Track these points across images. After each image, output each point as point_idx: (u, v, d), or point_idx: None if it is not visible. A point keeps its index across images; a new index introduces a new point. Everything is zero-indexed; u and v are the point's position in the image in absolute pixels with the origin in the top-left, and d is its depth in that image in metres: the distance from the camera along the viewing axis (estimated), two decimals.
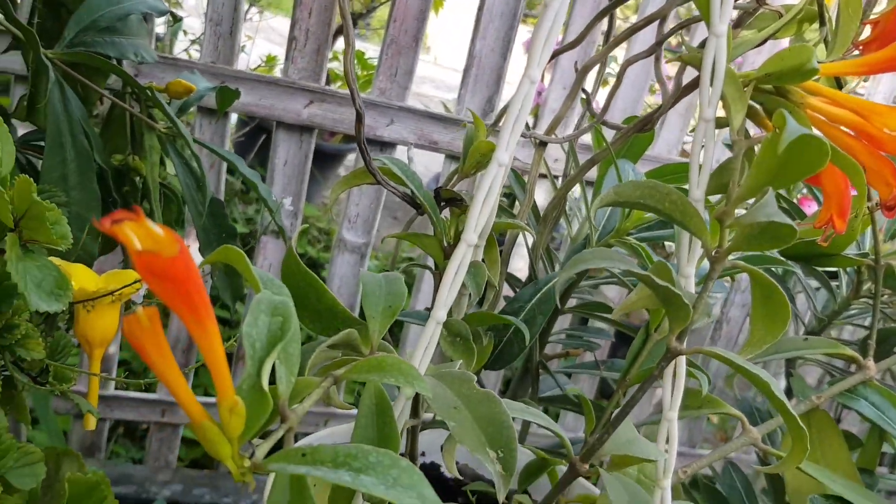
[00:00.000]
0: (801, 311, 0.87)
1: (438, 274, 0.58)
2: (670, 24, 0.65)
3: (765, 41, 0.57)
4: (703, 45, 0.43)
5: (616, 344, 1.64)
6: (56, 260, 0.53)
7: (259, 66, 2.20)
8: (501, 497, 0.38)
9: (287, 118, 1.18)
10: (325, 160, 2.45)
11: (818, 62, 0.43)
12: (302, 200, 1.23)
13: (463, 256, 0.41)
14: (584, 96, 0.68)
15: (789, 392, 0.84)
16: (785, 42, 0.82)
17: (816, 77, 0.43)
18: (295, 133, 1.21)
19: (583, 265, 0.40)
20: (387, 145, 1.23)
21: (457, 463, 0.65)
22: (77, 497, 0.51)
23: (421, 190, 0.57)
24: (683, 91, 0.56)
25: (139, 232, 0.24)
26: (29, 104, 0.68)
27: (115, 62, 0.70)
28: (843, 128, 0.44)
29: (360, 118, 0.51)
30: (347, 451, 0.29)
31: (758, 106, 0.44)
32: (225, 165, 1.20)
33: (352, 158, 2.65)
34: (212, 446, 0.28)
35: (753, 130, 0.48)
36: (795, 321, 0.86)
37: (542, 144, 0.65)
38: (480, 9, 1.19)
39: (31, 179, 0.42)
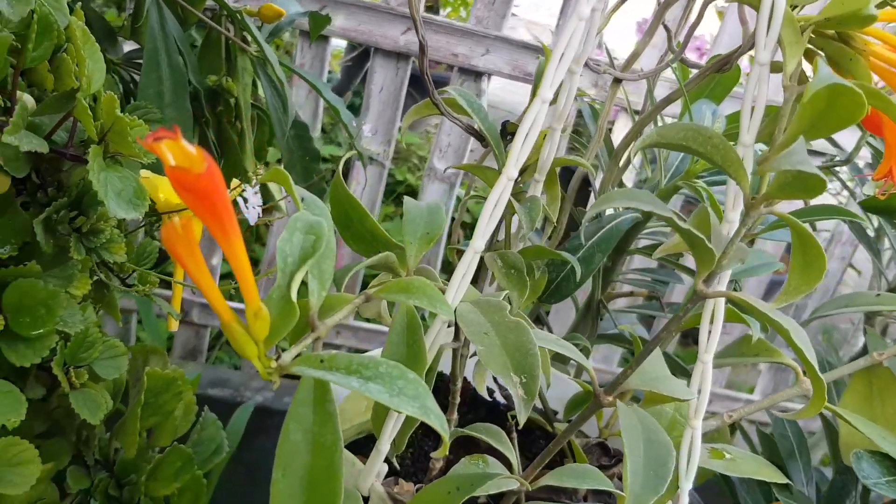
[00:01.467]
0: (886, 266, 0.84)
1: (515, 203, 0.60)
2: None
3: None
4: None
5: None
6: (146, 172, 0.58)
7: None
8: (523, 419, 0.40)
9: (384, 44, 1.20)
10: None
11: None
12: (396, 126, 1.26)
13: (503, 190, 0.43)
14: (665, 31, 0.67)
15: (866, 348, 0.82)
16: None
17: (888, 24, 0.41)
18: (392, 60, 1.23)
19: (607, 204, 0.41)
20: (481, 75, 1.23)
21: (505, 390, 0.68)
22: (155, 389, 0.56)
23: (486, 122, 0.58)
24: None
25: (174, 150, 0.27)
26: (132, 23, 0.72)
27: None
28: None
29: (423, 49, 0.52)
30: (360, 361, 0.31)
31: (820, 52, 0.43)
32: (319, 100, 1.24)
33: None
34: (239, 346, 0.31)
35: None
36: (879, 277, 0.83)
37: (618, 81, 0.65)
38: None
39: (115, 97, 0.46)
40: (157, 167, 0.55)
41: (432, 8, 2.43)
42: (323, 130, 2.25)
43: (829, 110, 0.35)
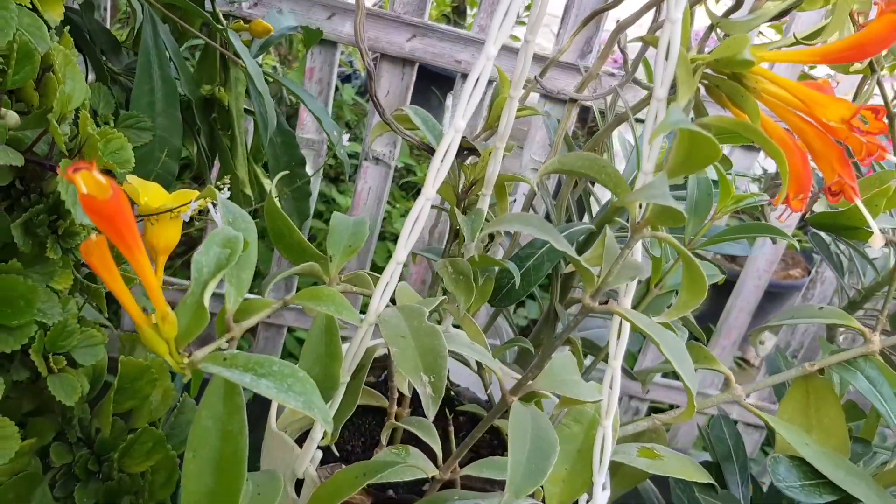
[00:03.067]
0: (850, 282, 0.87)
1: (459, 213, 0.65)
2: None
3: (782, 15, 0.58)
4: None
5: None
6: (132, 177, 0.64)
7: None
8: (431, 414, 0.45)
9: (390, 50, 1.25)
10: (446, 84, 2.50)
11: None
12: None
13: (421, 208, 0.47)
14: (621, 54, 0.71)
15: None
16: (809, 15, 0.80)
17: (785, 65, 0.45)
18: (398, 65, 1.28)
19: (501, 226, 0.45)
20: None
21: (458, 386, 0.73)
22: (130, 376, 0.62)
23: (439, 138, 0.62)
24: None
25: (87, 179, 0.32)
26: (133, 37, 0.78)
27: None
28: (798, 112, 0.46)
29: (370, 76, 0.57)
30: (257, 360, 0.36)
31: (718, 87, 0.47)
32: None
33: None
34: (151, 345, 0.36)
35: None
36: (841, 291, 0.86)
37: (574, 101, 0.69)
38: None
39: (88, 116, 0.52)
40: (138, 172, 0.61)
41: (458, 8, 2.48)
42: (348, 126, 2.31)
43: (693, 150, 0.39)
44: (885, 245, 0.68)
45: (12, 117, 0.52)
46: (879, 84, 0.62)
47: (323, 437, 0.50)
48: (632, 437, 0.68)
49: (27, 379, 0.60)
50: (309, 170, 1.32)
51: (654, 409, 1.60)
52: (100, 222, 0.32)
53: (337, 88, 2.19)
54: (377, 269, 1.87)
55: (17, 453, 0.55)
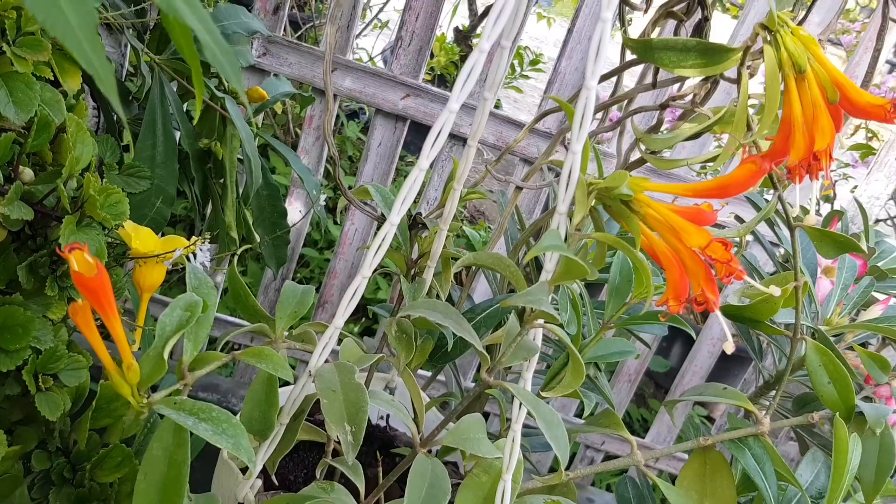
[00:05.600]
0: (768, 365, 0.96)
1: (405, 280, 0.74)
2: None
3: (696, 136, 0.68)
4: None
5: None
6: (129, 224, 0.73)
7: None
8: (350, 458, 0.54)
9: (385, 106, 1.35)
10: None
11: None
12: (390, 178, 1.41)
13: (358, 286, 0.56)
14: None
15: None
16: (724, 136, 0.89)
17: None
18: (391, 120, 1.38)
19: (411, 311, 0.54)
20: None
21: (396, 430, 0.82)
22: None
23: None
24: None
25: (79, 259, 0.42)
26: (144, 96, 0.88)
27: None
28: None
29: (335, 163, 0.67)
30: (200, 407, 0.46)
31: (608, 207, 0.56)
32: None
33: None
34: (117, 388, 0.45)
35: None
36: (758, 373, 0.95)
37: (518, 188, 0.79)
38: (570, 31, 1.30)
39: (96, 178, 0.61)
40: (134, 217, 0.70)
41: (467, 38, 2.58)
42: (350, 160, 2.41)
43: (569, 267, 0.48)
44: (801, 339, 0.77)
45: (28, 174, 0.61)
46: (781, 200, 0.71)
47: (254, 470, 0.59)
48: (546, 490, 0.77)
49: (18, 393, 0.69)
50: (302, 207, 1.42)
51: (609, 458, 1.67)
52: (85, 293, 0.42)
53: (342, 125, 2.30)
54: (367, 299, 1.95)
55: (3, 457, 0.64)
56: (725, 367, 1.86)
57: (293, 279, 1.79)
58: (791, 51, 0.58)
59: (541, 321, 0.53)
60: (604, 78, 0.77)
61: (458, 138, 1.38)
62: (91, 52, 0.29)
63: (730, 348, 0.55)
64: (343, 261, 1.46)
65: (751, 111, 0.65)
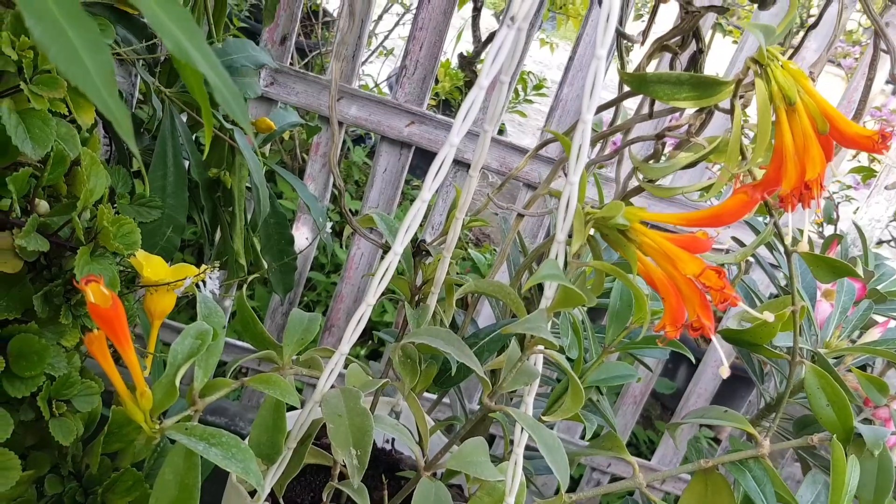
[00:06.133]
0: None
1: (408, 306, 0.76)
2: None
3: (693, 164, 0.69)
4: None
5: None
6: (140, 252, 0.75)
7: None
8: (356, 482, 0.56)
9: (390, 134, 1.38)
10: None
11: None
12: (395, 203, 1.43)
13: (363, 313, 0.58)
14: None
15: None
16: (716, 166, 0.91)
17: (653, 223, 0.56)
18: (396, 147, 1.40)
19: (414, 338, 0.56)
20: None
21: (402, 453, 0.83)
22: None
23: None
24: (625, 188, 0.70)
25: (95, 291, 0.43)
26: (155, 128, 0.90)
27: None
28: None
29: (340, 193, 0.69)
30: (211, 432, 0.47)
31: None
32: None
33: None
34: (131, 414, 0.47)
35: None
36: (759, 395, 0.96)
37: (520, 216, 0.80)
38: (571, 59, 1.33)
39: (109, 210, 0.63)
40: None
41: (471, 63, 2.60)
42: (357, 184, 2.44)
43: (566, 294, 0.50)
44: (799, 362, 0.78)
45: (43, 206, 0.64)
46: (777, 227, 0.73)
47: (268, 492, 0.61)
48: None
49: (32, 418, 0.71)
50: (309, 233, 1.44)
51: (615, 480, 1.68)
52: (100, 323, 0.44)
53: (349, 149, 2.33)
54: (373, 322, 1.96)
55: (17, 482, 0.65)
56: (731, 389, 1.86)
57: (300, 302, 1.81)
58: (781, 84, 0.59)
59: (541, 347, 0.54)
60: (601, 109, 0.80)
61: (461, 164, 1.40)
62: (109, 99, 0.31)
63: (725, 373, 0.56)
64: (349, 285, 1.48)
65: (746, 141, 0.66)
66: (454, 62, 2.76)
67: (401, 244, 0.56)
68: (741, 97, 0.64)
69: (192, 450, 0.48)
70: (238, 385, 0.54)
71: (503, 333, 0.56)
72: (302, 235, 1.42)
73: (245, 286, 0.58)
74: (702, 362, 1.50)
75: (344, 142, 2.36)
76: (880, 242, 1.58)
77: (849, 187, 1.88)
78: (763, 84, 0.60)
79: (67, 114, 0.67)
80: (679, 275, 0.56)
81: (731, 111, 0.63)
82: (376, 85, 2.57)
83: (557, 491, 1.61)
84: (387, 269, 0.56)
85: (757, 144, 0.61)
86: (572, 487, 1.55)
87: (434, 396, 1.41)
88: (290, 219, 1.04)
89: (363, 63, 2.39)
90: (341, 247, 2.24)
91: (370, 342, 2.04)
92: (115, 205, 0.80)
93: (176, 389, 0.48)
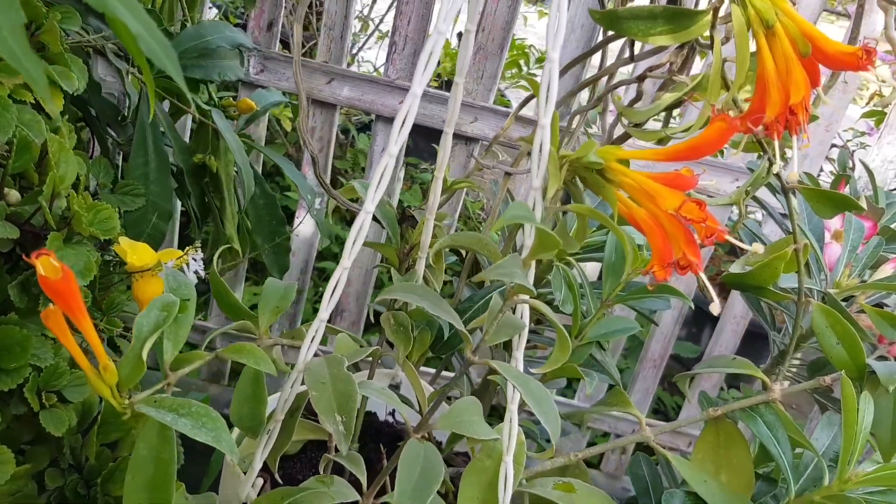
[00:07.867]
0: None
1: (396, 273, 0.74)
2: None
3: (678, 104, 0.67)
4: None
5: None
6: (124, 239, 0.74)
7: None
8: (344, 449, 0.54)
9: (385, 112, 1.36)
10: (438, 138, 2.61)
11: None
12: (396, 182, 1.41)
13: (340, 275, 0.56)
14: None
15: None
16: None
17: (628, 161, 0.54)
18: (391, 125, 1.38)
19: (390, 295, 0.54)
20: (470, 140, 1.38)
21: (402, 423, 0.81)
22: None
23: (382, 209, 0.72)
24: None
25: (45, 264, 0.42)
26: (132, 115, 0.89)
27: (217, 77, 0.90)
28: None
29: (315, 161, 0.67)
30: (180, 403, 0.46)
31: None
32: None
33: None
34: (96, 389, 0.46)
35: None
36: (772, 342, 0.93)
37: (508, 174, 0.78)
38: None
39: (84, 196, 0.62)
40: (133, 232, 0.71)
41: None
42: (363, 170, 2.42)
43: (543, 240, 0.48)
44: (806, 302, 0.75)
45: (14, 196, 0.63)
46: (778, 176, 0.70)
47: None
48: (558, 472, 0.76)
49: (26, 413, 0.70)
50: (312, 221, 1.43)
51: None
52: (53, 296, 0.42)
53: (354, 138, 2.31)
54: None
55: (15, 476, 0.65)
56: (753, 349, 1.82)
57: (314, 292, 1.80)
58: (758, 7, 0.57)
59: (525, 297, 0.52)
60: (581, 58, 0.77)
61: (460, 137, 1.38)
62: (21, 54, 0.30)
63: (716, 309, 0.54)
64: (357, 269, 1.46)
65: (731, 75, 0.64)
66: (454, 42, 2.73)
67: (371, 201, 0.54)
68: (722, 31, 0.62)
69: (161, 422, 0.47)
70: (210, 357, 0.52)
71: (474, 281, 0.54)
72: (306, 224, 1.41)
73: (223, 262, 0.56)
74: (720, 320, 1.47)
75: (348, 130, 2.35)
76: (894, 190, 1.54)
77: (863, 134, 1.84)
78: (739, 10, 0.58)
79: (34, 101, 0.66)
80: (661, 212, 0.54)
81: (710, 44, 0.61)
82: (376, 70, 2.55)
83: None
84: (359, 229, 0.54)
85: (737, 73, 0.58)
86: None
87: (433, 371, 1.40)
88: (292, 211, 1.02)
89: (361, 48, 2.37)
90: (347, 226, 2.23)
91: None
92: (97, 195, 0.79)
93: (143, 363, 0.47)
